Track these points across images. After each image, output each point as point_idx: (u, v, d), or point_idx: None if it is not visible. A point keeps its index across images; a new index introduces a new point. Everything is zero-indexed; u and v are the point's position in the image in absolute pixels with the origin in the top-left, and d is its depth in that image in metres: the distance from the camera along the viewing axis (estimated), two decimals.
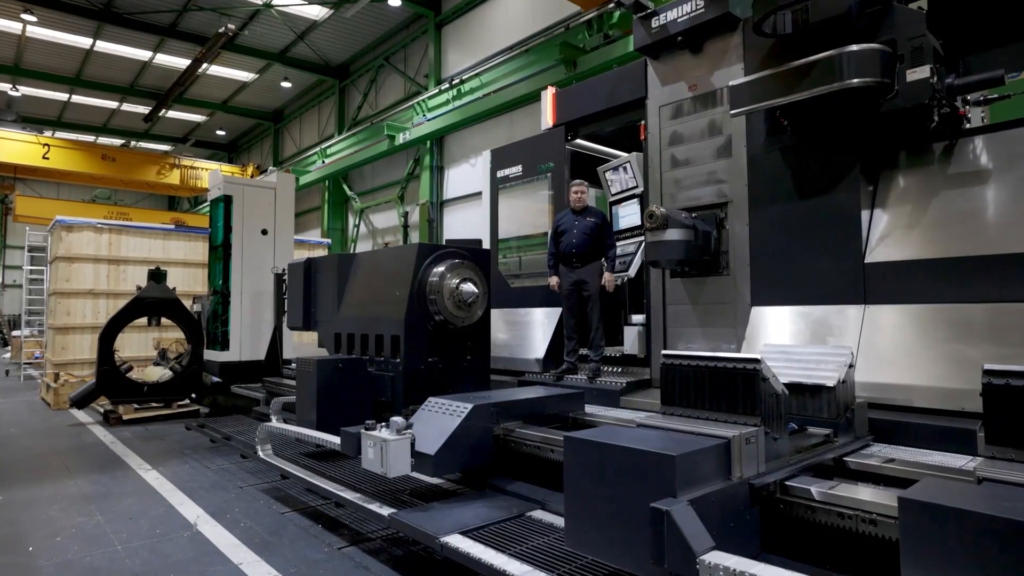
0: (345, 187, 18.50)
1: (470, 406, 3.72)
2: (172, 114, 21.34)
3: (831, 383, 3.13)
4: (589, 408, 4.57)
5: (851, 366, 3.26)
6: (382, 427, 3.52)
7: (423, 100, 14.30)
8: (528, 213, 6.26)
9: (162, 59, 17.19)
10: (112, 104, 20.11)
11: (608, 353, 5.46)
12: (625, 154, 6.05)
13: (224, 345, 7.74)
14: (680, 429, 2.62)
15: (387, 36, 17.01)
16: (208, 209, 9.18)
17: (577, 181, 5.34)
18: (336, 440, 3.82)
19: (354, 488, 3.91)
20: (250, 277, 7.90)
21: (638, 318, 5.35)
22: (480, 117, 12.86)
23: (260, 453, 4.68)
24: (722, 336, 4.64)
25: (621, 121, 5.58)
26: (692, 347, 4.78)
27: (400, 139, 14.71)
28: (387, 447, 3.37)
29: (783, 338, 4.10)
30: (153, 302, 7.70)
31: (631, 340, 5.29)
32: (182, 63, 16.78)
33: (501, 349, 5.90)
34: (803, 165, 4.17)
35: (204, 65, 17.07)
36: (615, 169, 5.85)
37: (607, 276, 5.12)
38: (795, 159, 4.21)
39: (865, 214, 3.95)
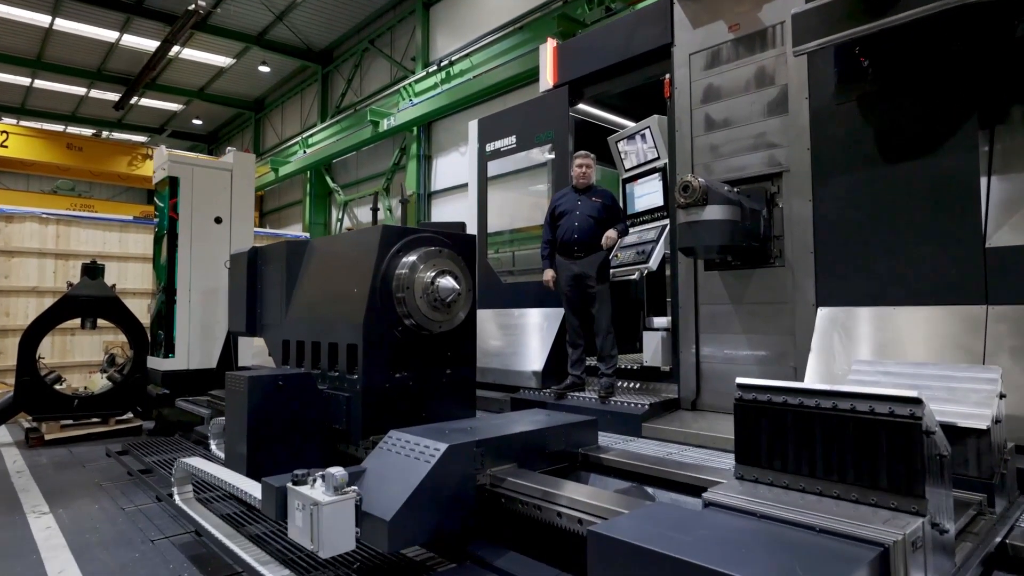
0: (328, 179, 17.39)
1: (444, 447, 2.66)
2: (146, 102, 20.12)
3: (982, 424, 2.08)
4: (604, 438, 3.52)
5: (1002, 396, 2.22)
6: (317, 479, 2.46)
7: (409, 84, 13.26)
8: (523, 195, 5.20)
9: (130, 40, 15.98)
10: (79, 90, 18.86)
11: (623, 364, 4.42)
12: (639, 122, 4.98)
13: (169, 351, 6.63)
14: (784, 518, 1.56)
15: (372, 18, 15.91)
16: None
17: (581, 152, 4.28)
18: (257, 492, 2.75)
19: (284, 559, 2.84)
20: (200, 272, 6.79)
21: (660, 321, 4.31)
22: (470, 100, 11.80)
23: (176, 497, 3.60)
24: (775, 345, 3.59)
25: (640, 78, 4.53)
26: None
27: (384, 125, 13.66)
28: (319, 513, 2.30)
29: (866, 351, 3.06)
30: (87, 301, 6.58)
31: (652, 348, 4.24)
32: (151, 45, 15.61)
33: (491, 358, 4.85)
34: (892, 119, 3.13)
35: (176, 48, 15.97)
36: (630, 138, 4.79)
37: (609, 233, 4.12)
38: (880, 111, 3.16)
39: (983, 181, 2.90)
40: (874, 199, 3.16)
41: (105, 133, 21.85)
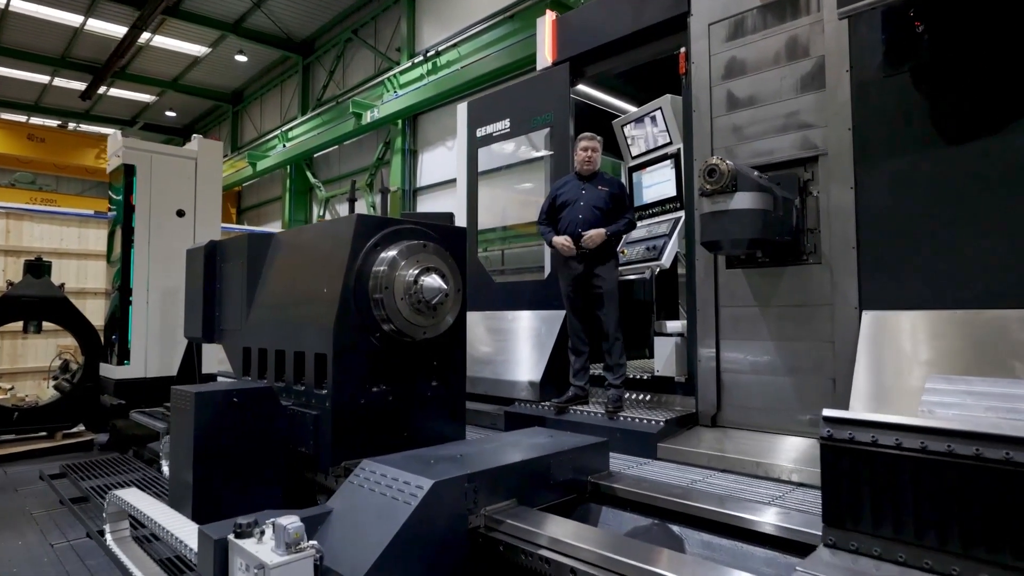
0: (309, 174, 16.74)
1: (428, 484, 2.15)
2: (116, 92, 19.26)
3: None
4: (614, 461, 3.03)
5: None
6: (267, 529, 1.94)
7: (394, 75, 12.71)
8: (518, 184, 4.70)
9: (96, 25, 15.16)
10: (42, 78, 17.93)
11: (631, 374, 3.93)
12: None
13: (124, 357, 6.02)
14: None
15: (356, 7, 15.31)
16: None
17: (587, 135, 3.79)
18: (193, 541, 2.21)
19: None
20: (160, 270, 6.19)
21: (674, 326, 3.83)
22: (458, 91, 11.25)
23: (107, 536, 3.04)
24: (810, 354, 3.13)
25: (650, 53, 4.05)
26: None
27: (368, 118, 13.09)
28: None
29: (924, 363, 2.60)
30: (30, 302, 5.96)
31: (664, 356, 3.76)
32: (119, 31, 14.83)
33: (482, 366, 4.34)
34: (954, 92, 2.68)
35: (146, 35, 15.23)
36: (638, 121, 4.31)
37: (591, 233, 3.62)
38: (939, 84, 2.71)
39: None
40: (931, 186, 2.70)
41: (72, 125, 20.93)
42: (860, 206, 2.90)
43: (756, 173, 3.04)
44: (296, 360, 3.41)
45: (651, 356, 3.93)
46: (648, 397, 3.85)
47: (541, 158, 4.44)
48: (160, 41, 16.27)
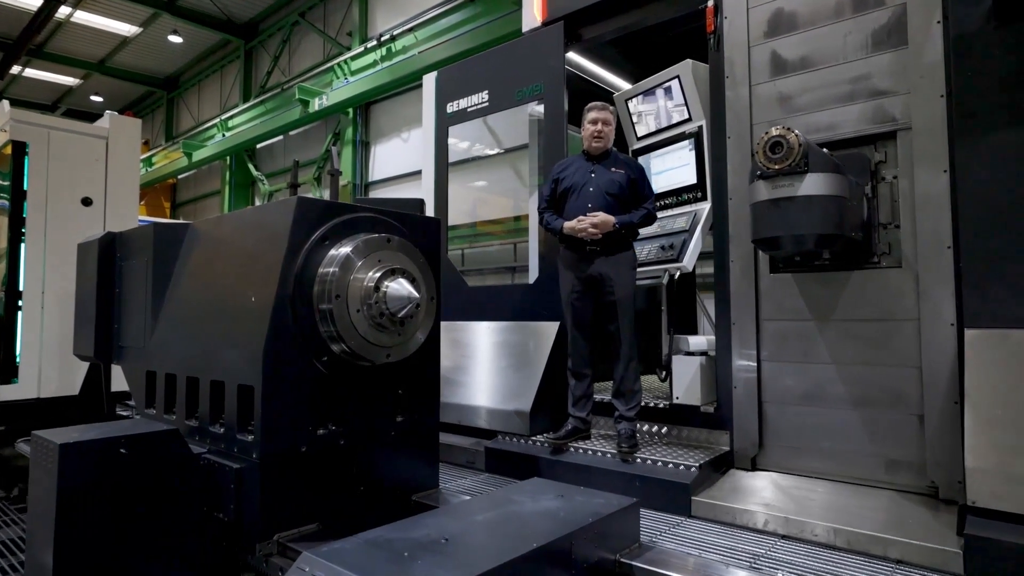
0: (251, 166, 15.48)
1: None
2: (33, 73, 17.43)
3: None
4: (647, 525, 2.29)
5: None
6: None
7: (345, 61, 11.73)
8: (500, 171, 3.93)
9: None
10: None
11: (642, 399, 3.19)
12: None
13: (9, 374, 4.92)
14: None
15: None
16: None
17: (597, 104, 3.04)
18: None
19: None
20: (58, 270, 5.09)
21: (697, 342, 3.13)
22: (415, 78, 10.37)
23: None
24: (886, 382, 2.47)
25: (665, 9, 3.33)
26: (823, 399, 2.59)
27: (316, 105, 12.07)
28: None
29: None
30: None
31: (686, 380, 3.05)
32: (34, 2, 13.27)
33: (452, 389, 3.55)
34: None
35: (65, 9, 13.72)
36: (647, 94, 3.58)
37: (599, 217, 2.88)
38: None
39: None
40: None
41: None
42: (961, 194, 2.25)
43: (824, 150, 2.37)
44: (214, 392, 2.52)
45: (663, 377, 3.22)
46: (664, 430, 3.13)
47: (533, 103, 3.67)
48: (83, 17, 14.73)
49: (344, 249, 2.46)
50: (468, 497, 3.10)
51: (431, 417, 2.91)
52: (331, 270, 2.41)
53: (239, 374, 2.38)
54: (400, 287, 2.48)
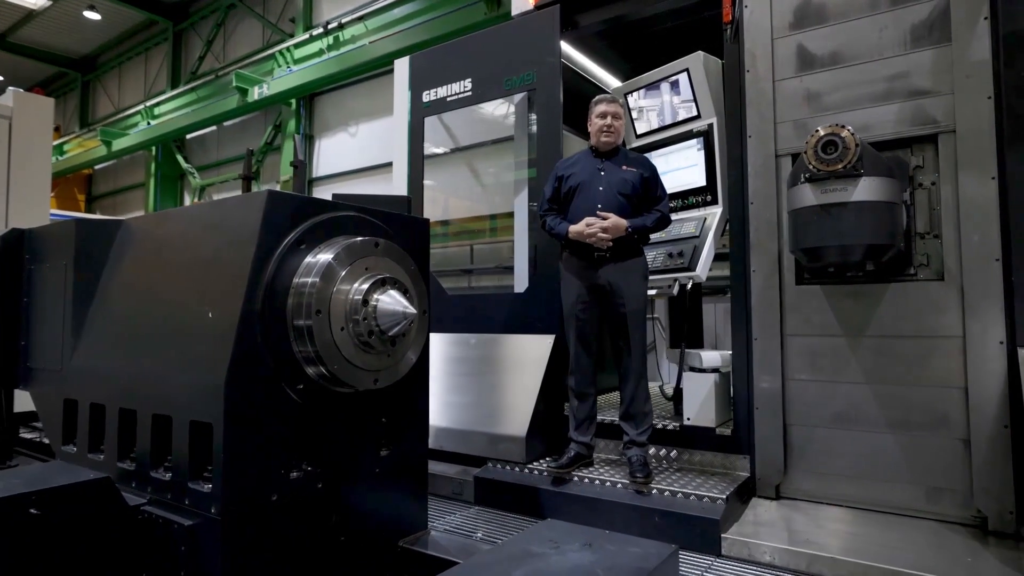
0: (179, 158, 14.38)
1: None
2: None
3: None
4: None
5: None
6: None
7: (288, 48, 11.03)
8: (486, 168, 3.57)
9: None
10: None
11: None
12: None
13: None
14: None
15: None
16: None
17: (606, 96, 2.74)
18: None
19: None
20: None
21: (710, 358, 2.88)
22: (365, 69, 9.87)
23: None
24: (926, 404, 2.29)
25: None
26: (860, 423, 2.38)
27: (255, 95, 11.30)
28: None
29: None
30: None
31: (698, 399, 2.79)
32: None
33: (435, 410, 3.15)
34: None
35: None
36: (651, 88, 3.31)
37: (610, 221, 2.58)
38: None
39: None
40: None
41: None
42: (1011, 202, 2.09)
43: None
44: (157, 429, 2.05)
45: (672, 397, 2.95)
46: (673, 453, 2.87)
47: (523, 94, 3.33)
48: None
49: (325, 255, 2.04)
50: (461, 538, 2.74)
51: (419, 448, 2.53)
52: (310, 280, 1.99)
53: (192, 408, 1.92)
54: (393, 301, 2.09)
